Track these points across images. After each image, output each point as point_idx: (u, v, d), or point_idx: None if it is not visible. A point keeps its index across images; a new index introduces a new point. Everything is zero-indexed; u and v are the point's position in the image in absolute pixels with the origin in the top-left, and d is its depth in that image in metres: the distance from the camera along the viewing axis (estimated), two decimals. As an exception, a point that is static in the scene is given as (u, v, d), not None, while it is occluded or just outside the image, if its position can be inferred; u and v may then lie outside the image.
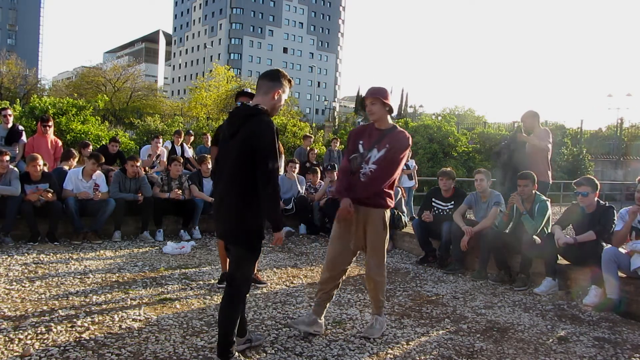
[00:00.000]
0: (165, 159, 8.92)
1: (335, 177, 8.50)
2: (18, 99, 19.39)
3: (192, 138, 10.87)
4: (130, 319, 3.74)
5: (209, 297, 4.40)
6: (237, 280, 2.93)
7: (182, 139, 9.78)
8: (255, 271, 4.83)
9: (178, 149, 9.56)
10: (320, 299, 3.65)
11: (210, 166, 7.59)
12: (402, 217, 7.25)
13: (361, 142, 3.63)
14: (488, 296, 4.88)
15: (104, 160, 7.09)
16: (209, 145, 10.90)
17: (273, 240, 2.94)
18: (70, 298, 4.20)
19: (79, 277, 4.85)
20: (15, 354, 3.05)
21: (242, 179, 2.81)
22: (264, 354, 3.21)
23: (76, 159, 7.32)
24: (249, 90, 4.64)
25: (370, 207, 3.54)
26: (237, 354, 3.00)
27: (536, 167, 5.80)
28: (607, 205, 5.04)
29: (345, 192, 3.53)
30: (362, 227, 3.56)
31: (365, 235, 3.57)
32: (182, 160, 7.98)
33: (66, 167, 7.14)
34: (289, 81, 3.03)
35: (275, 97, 2.94)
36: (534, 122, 6.23)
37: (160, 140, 9.59)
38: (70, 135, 12.45)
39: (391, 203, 3.62)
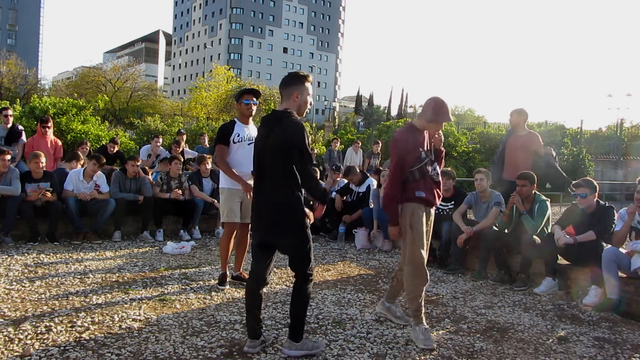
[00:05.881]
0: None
1: (338, 178, 8.44)
2: (18, 99, 19.35)
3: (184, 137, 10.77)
4: (130, 319, 3.74)
5: (209, 297, 4.40)
6: (304, 270, 3.14)
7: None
8: (241, 269, 4.86)
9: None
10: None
11: (209, 166, 7.59)
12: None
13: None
14: (488, 296, 4.88)
15: (105, 161, 7.09)
16: (207, 145, 10.89)
17: (315, 212, 3.31)
18: (70, 298, 4.20)
19: (79, 277, 4.85)
20: (15, 354, 3.05)
21: (284, 172, 3.09)
22: (264, 354, 3.21)
23: (81, 162, 7.34)
24: (249, 87, 4.69)
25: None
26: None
27: (522, 163, 6.04)
28: (606, 205, 5.04)
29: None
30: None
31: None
32: (182, 159, 7.98)
33: (68, 169, 7.15)
34: (304, 77, 3.24)
35: (297, 99, 3.20)
36: (519, 120, 6.42)
37: (160, 139, 9.58)
38: (71, 135, 12.43)
39: None
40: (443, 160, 3.80)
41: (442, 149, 3.77)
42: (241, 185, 4.49)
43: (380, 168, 9.70)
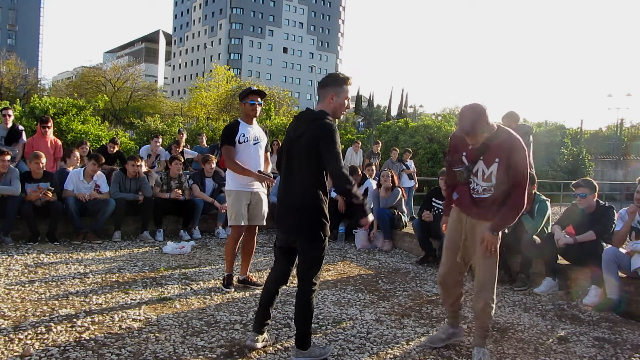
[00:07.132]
0: (164, 159, 8.94)
1: None
2: (18, 99, 19.40)
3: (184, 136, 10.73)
4: (130, 319, 3.74)
5: (209, 297, 4.40)
6: (310, 278, 3.08)
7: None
8: (248, 272, 4.84)
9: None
10: (448, 313, 3.66)
11: (214, 166, 7.60)
12: (402, 217, 7.25)
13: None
14: (488, 296, 4.87)
15: (104, 160, 7.09)
16: (205, 145, 10.89)
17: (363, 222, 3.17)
18: (70, 298, 4.20)
19: (79, 277, 4.85)
20: (15, 354, 3.05)
21: (312, 174, 3.02)
22: (264, 354, 3.22)
23: (76, 157, 7.36)
24: (255, 88, 4.66)
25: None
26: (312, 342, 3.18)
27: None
28: (606, 205, 5.04)
29: None
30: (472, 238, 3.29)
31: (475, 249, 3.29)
32: (182, 159, 7.98)
33: (70, 168, 7.15)
34: (343, 80, 3.10)
35: (332, 100, 3.06)
36: (509, 124, 6.60)
37: (160, 139, 9.57)
38: (71, 135, 12.45)
39: None
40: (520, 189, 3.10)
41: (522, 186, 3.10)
42: (255, 177, 4.45)
43: (371, 163, 9.73)
